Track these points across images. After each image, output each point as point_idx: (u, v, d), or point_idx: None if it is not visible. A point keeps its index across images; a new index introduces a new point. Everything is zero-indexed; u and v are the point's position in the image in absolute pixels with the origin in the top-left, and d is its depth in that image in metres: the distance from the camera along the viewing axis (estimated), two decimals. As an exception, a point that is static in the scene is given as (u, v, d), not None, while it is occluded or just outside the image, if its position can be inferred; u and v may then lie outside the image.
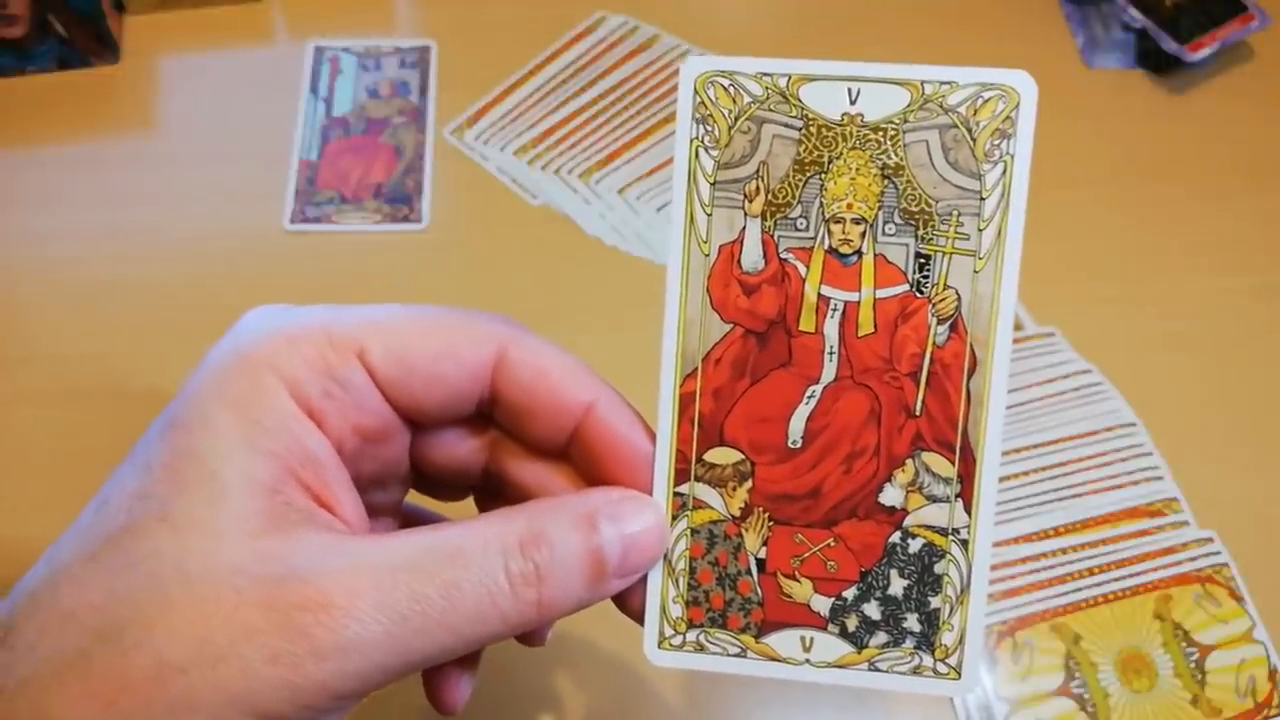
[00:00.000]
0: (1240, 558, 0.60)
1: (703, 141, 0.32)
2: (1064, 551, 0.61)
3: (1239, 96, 0.81)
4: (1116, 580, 0.60)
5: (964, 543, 0.33)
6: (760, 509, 0.33)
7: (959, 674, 0.33)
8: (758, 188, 0.32)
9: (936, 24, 0.84)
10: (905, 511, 0.33)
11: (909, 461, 0.33)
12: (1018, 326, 0.69)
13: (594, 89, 0.80)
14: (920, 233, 0.32)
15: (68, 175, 0.75)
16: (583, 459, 0.34)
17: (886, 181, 0.32)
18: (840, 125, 0.32)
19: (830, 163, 0.32)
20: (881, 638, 0.33)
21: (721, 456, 0.33)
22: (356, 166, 0.76)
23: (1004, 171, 0.31)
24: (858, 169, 0.32)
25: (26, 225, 0.72)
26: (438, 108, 0.79)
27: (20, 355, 0.67)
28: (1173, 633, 0.58)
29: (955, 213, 0.32)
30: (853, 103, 0.32)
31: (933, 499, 0.33)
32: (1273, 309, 0.71)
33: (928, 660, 0.33)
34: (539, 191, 0.75)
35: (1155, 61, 0.82)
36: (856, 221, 0.32)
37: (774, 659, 0.34)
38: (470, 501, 0.39)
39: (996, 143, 0.31)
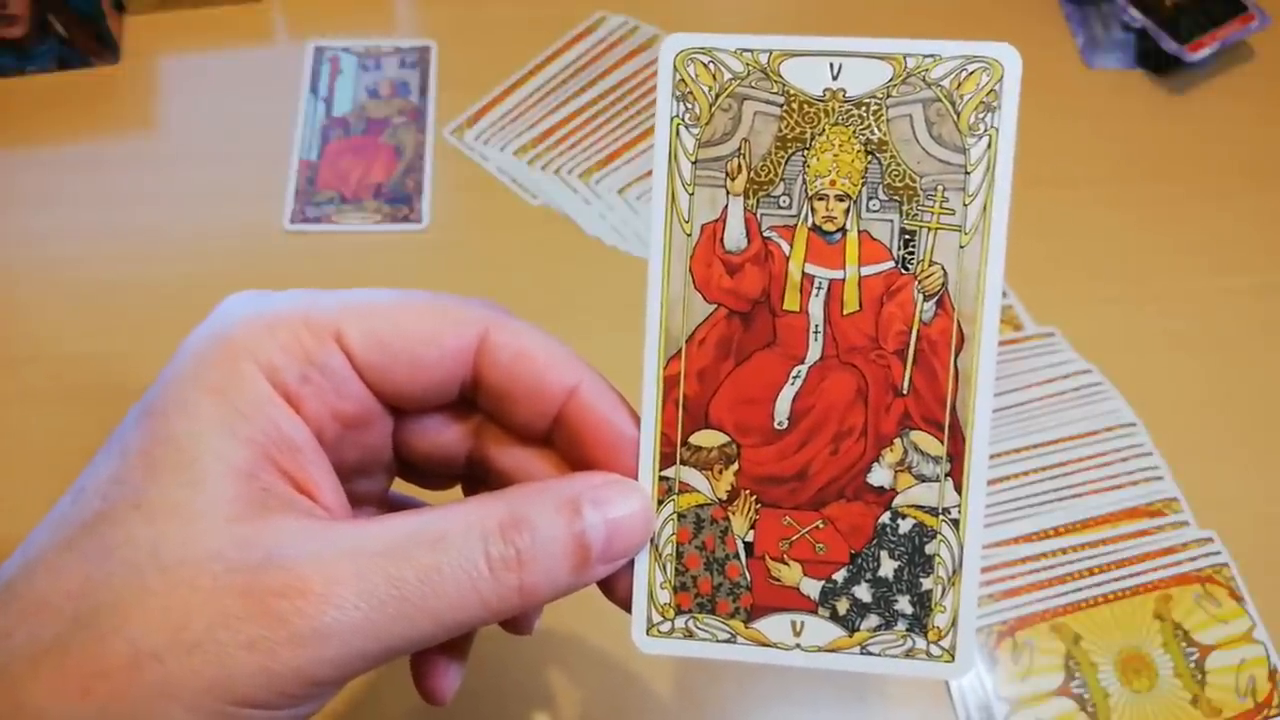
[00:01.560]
0: (1240, 558, 0.60)
1: (683, 119, 0.32)
2: (1064, 551, 0.60)
3: (1239, 96, 0.81)
4: (1116, 580, 0.60)
5: (955, 522, 0.33)
6: (747, 492, 0.33)
7: (953, 656, 0.33)
8: (740, 165, 0.32)
9: (934, 24, 0.84)
10: (894, 492, 0.33)
11: (897, 441, 0.32)
12: (1018, 326, 0.69)
13: (594, 89, 0.80)
14: (905, 208, 0.32)
15: (68, 175, 0.75)
16: (567, 444, 0.34)
17: (870, 157, 0.31)
18: (822, 101, 0.32)
19: (813, 139, 0.32)
20: (873, 620, 0.33)
21: (707, 439, 0.33)
22: (356, 166, 0.76)
23: (989, 145, 0.31)
24: (841, 145, 0.31)
25: (26, 225, 0.73)
26: (438, 108, 0.79)
27: (20, 355, 0.67)
28: (1173, 633, 0.58)
29: (940, 188, 0.31)
30: (835, 78, 0.32)
31: (922, 478, 0.32)
32: (1273, 309, 0.71)
33: (920, 643, 0.33)
34: (539, 191, 0.75)
35: (1155, 61, 0.82)
36: (840, 198, 0.32)
37: (764, 644, 0.34)
38: (458, 490, 0.38)
39: (981, 116, 0.31)
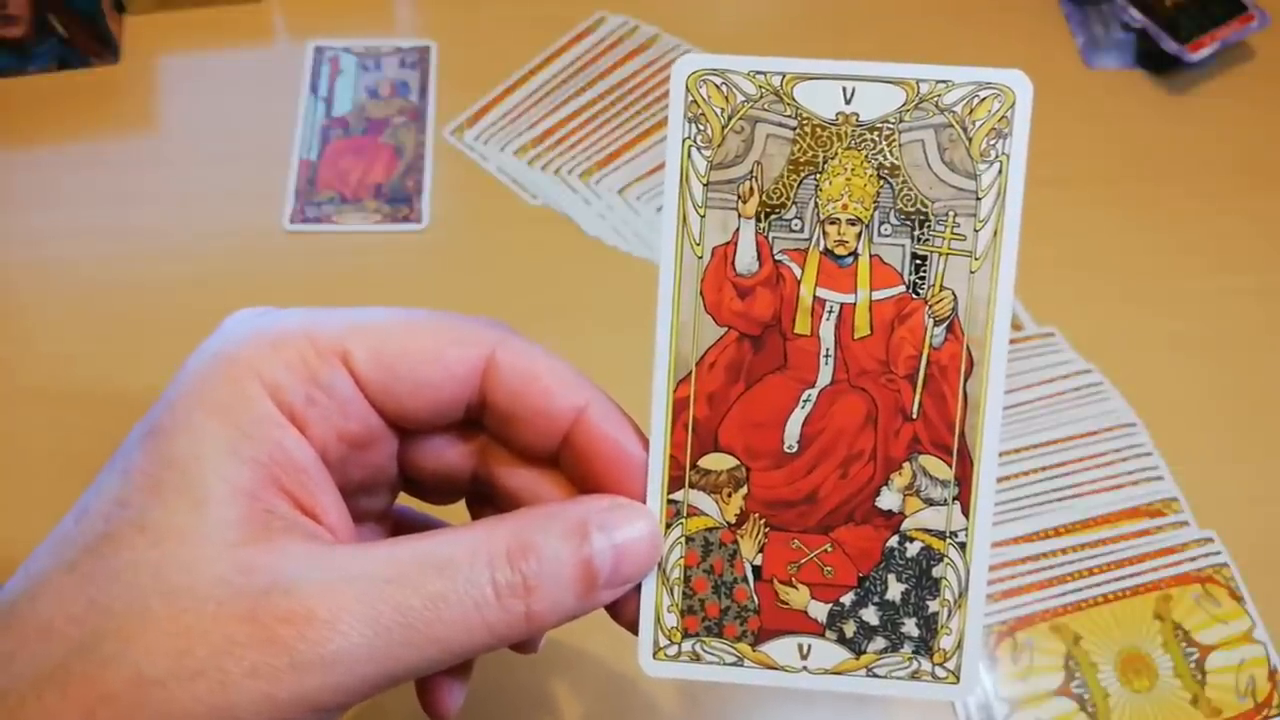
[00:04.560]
0: (1240, 558, 0.60)
1: (695, 141, 0.32)
2: (1064, 551, 0.60)
3: (1239, 96, 0.81)
4: (1116, 580, 0.60)
5: (962, 546, 0.33)
6: (756, 515, 0.33)
7: (958, 678, 0.33)
8: (752, 188, 0.32)
9: (936, 24, 0.84)
10: (903, 515, 0.33)
11: (906, 465, 0.33)
12: (1018, 326, 0.69)
13: (594, 89, 0.79)
14: (916, 233, 0.32)
15: (68, 175, 0.75)
16: (574, 465, 0.34)
17: (882, 182, 0.31)
18: (835, 125, 0.32)
19: (825, 163, 0.32)
20: (880, 643, 0.33)
21: (716, 462, 0.33)
22: (356, 166, 0.75)
23: (1000, 171, 0.31)
24: (853, 169, 0.31)
25: (26, 225, 0.72)
26: (438, 108, 0.79)
27: (19, 355, 0.67)
28: (1173, 633, 0.58)
29: (951, 213, 0.31)
30: (848, 102, 0.31)
31: (930, 502, 0.33)
32: (1273, 309, 0.71)
33: (926, 665, 0.33)
34: (538, 191, 0.75)
35: (1155, 61, 0.82)
36: (852, 222, 0.32)
37: (771, 667, 0.34)
38: (462, 505, 0.38)
39: (992, 142, 0.31)
